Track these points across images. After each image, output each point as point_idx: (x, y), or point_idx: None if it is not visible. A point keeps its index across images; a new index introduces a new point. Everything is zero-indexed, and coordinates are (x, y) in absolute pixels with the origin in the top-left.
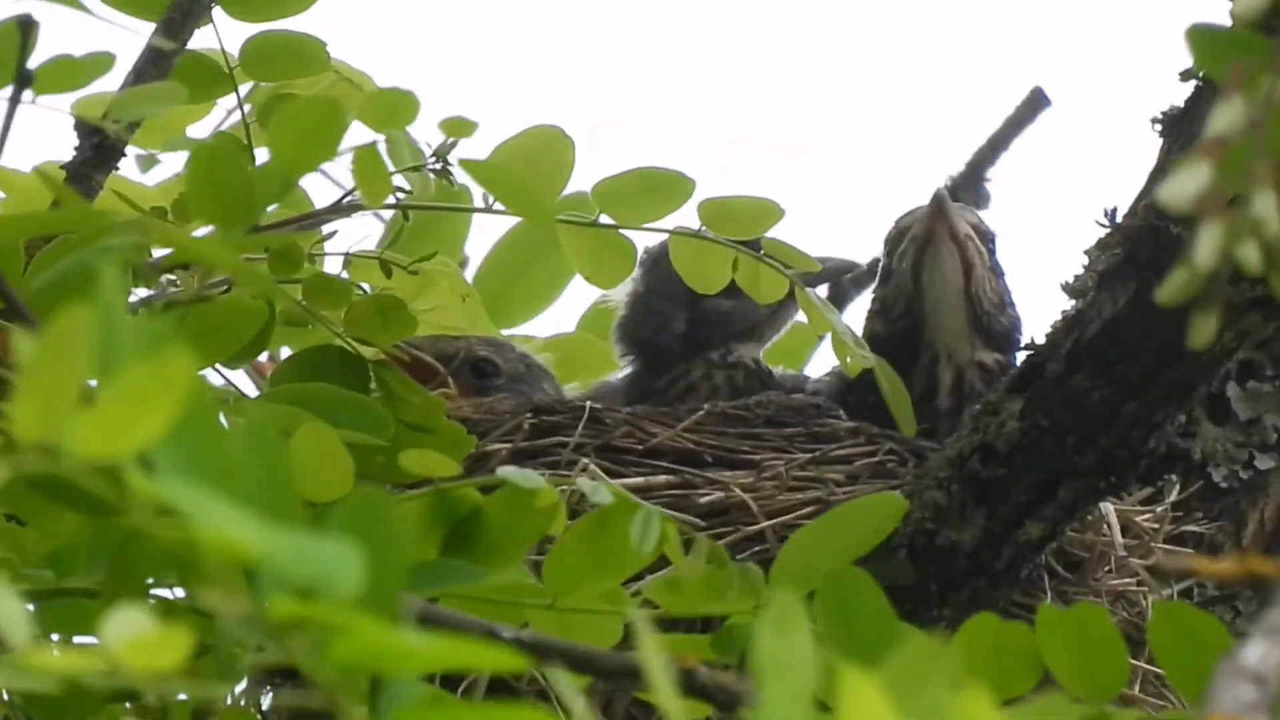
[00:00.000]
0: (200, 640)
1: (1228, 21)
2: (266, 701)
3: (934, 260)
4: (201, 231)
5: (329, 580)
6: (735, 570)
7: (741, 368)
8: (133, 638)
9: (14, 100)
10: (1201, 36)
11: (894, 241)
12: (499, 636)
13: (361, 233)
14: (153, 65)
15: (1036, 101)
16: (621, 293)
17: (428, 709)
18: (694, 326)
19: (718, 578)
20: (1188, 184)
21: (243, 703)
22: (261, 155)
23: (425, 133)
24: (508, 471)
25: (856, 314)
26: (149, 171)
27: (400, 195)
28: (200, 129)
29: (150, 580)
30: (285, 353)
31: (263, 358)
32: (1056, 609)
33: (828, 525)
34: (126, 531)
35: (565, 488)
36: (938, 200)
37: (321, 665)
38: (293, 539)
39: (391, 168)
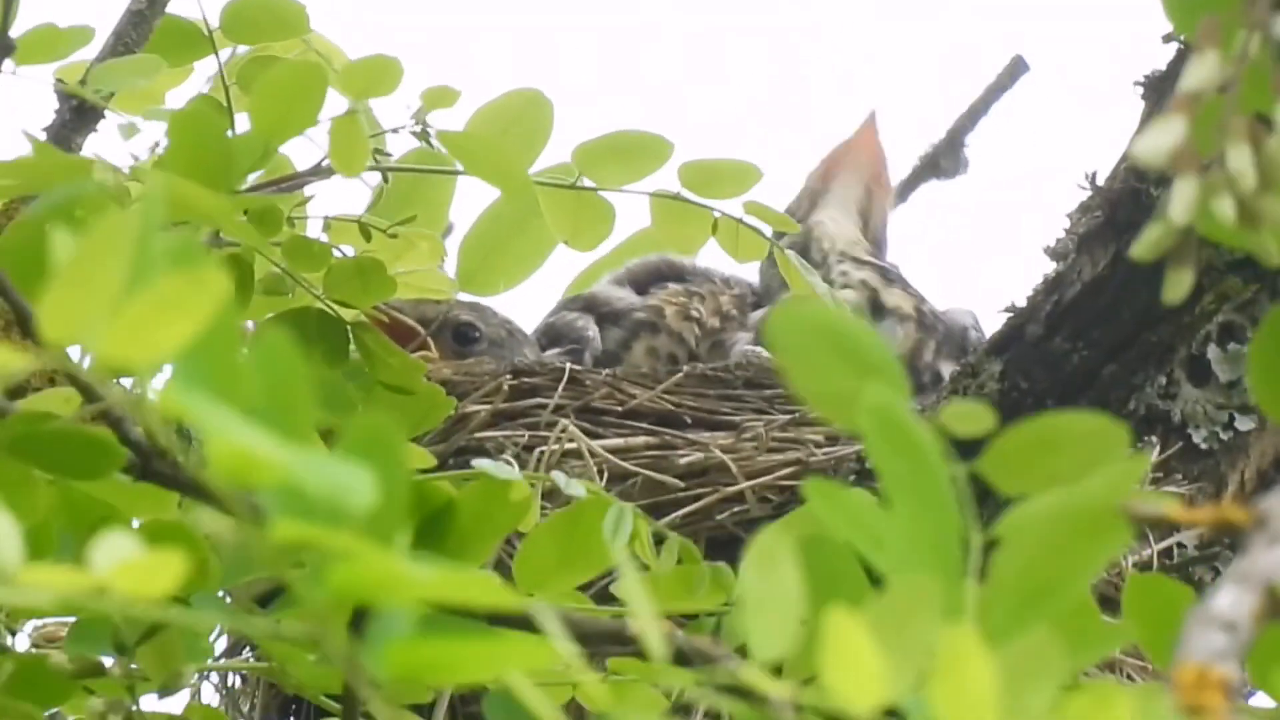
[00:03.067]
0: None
1: None
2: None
3: None
4: None
5: (344, 496)
6: (706, 568)
7: None
8: (123, 561)
9: None
10: None
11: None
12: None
13: (343, 195)
14: (133, 28)
15: (1016, 69)
16: None
17: (422, 640)
18: None
19: (689, 575)
20: (1162, 139)
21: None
22: (241, 119)
23: (406, 98)
24: (482, 464)
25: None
26: (131, 139)
27: (379, 158)
28: (180, 93)
29: None
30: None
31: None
32: None
33: (810, 513)
34: (103, 509)
35: (544, 449)
36: None
37: (317, 592)
38: (308, 455)
39: (371, 132)
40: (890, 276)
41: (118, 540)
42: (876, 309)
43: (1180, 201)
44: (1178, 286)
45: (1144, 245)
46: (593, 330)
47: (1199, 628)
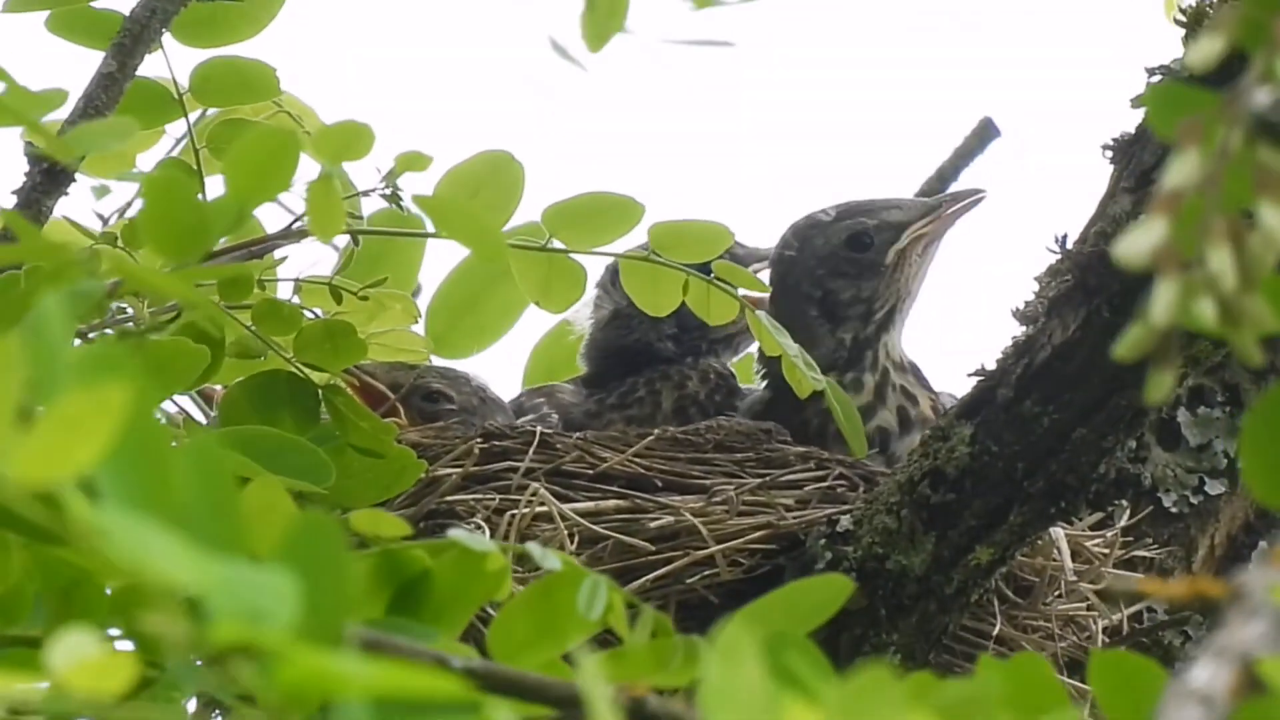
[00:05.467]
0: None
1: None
2: None
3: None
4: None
5: (265, 613)
6: (679, 642)
7: (712, 373)
8: (79, 661)
9: None
10: (1159, 96)
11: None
12: (449, 665)
13: (313, 257)
14: (103, 90)
15: (986, 132)
16: (586, 315)
17: None
18: (681, 332)
19: (662, 649)
20: (1144, 239)
21: None
22: (211, 181)
23: (379, 160)
24: (458, 534)
25: None
26: (101, 200)
27: (350, 221)
28: (150, 157)
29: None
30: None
31: None
32: (996, 660)
33: (772, 604)
34: (75, 572)
35: (515, 513)
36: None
37: (268, 689)
38: (229, 571)
39: (343, 194)
40: (920, 376)
41: (77, 636)
42: (904, 421)
43: (1161, 302)
44: (1159, 387)
45: (1125, 345)
46: (555, 417)
47: (1176, 702)
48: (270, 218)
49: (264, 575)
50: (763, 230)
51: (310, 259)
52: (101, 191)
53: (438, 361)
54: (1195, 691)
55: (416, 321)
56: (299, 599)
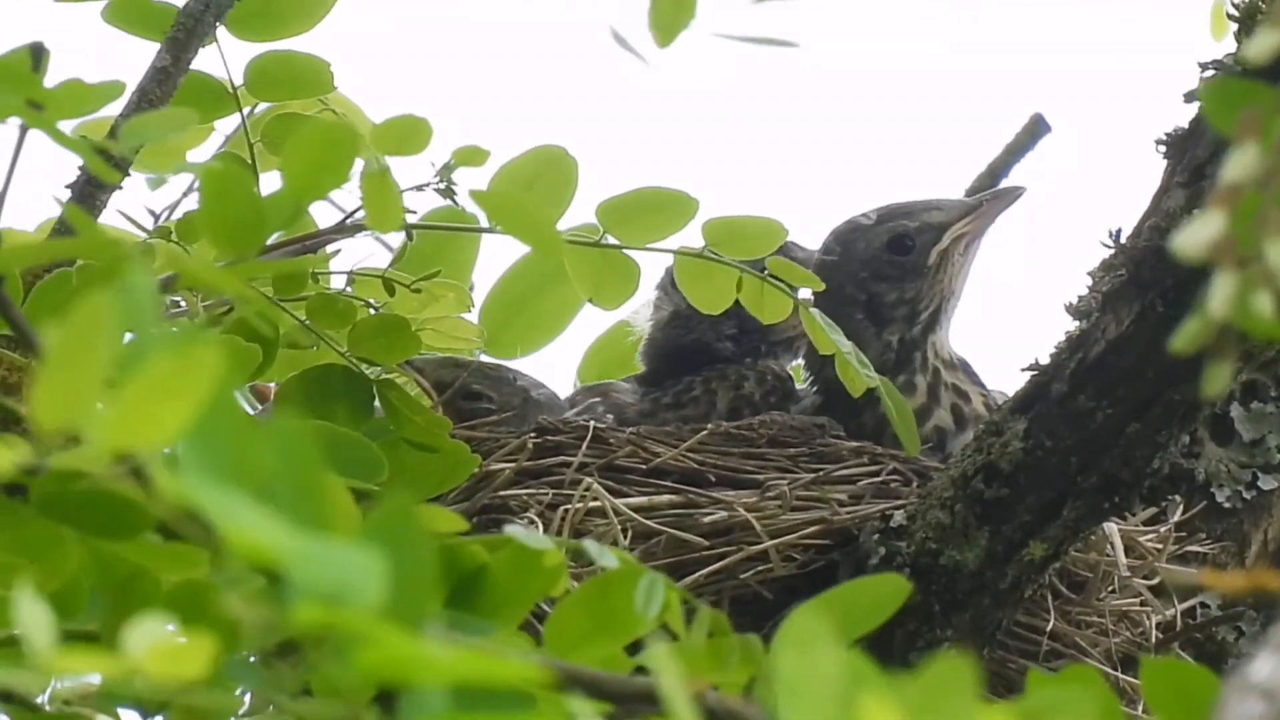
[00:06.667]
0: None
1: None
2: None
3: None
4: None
5: (351, 590)
6: (736, 640)
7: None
8: (156, 645)
9: (24, 127)
10: (1215, 91)
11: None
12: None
13: (366, 253)
14: (158, 84)
15: (1036, 128)
16: (645, 317)
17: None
18: (741, 333)
19: (720, 647)
20: (1202, 232)
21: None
22: (265, 178)
23: (430, 157)
24: (515, 530)
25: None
26: (155, 191)
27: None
28: (200, 152)
29: None
30: None
31: None
32: (1046, 674)
33: (828, 603)
34: (131, 568)
35: (569, 508)
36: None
37: (346, 673)
38: (317, 545)
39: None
40: (970, 372)
41: (151, 623)
42: (959, 419)
43: (1219, 295)
44: (1217, 381)
45: (1183, 338)
46: (610, 417)
47: (1237, 696)
48: (318, 214)
49: (350, 552)
50: (814, 231)
51: (363, 254)
52: (157, 182)
53: (490, 359)
54: (1257, 685)
55: (470, 310)
56: (385, 579)
